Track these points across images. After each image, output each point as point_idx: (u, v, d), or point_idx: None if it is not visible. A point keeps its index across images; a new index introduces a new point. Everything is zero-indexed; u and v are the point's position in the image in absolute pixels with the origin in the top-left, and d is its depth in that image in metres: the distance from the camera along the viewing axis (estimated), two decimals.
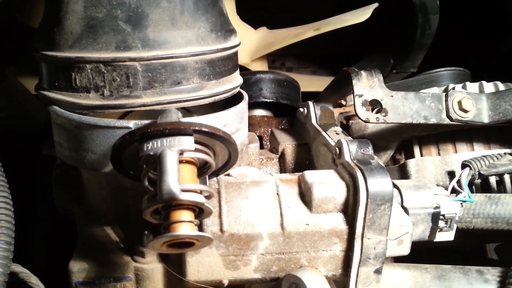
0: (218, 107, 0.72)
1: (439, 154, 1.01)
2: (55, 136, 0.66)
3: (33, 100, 0.87)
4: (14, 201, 0.64)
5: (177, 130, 0.52)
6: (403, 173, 0.99)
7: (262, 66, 1.37)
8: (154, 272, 0.66)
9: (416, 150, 1.02)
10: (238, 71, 0.74)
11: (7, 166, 0.66)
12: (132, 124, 0.60)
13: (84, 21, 0.59)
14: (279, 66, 1.79)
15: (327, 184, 0.63)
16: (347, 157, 0.65)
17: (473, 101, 0.91)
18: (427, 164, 0.98)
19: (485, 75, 1.05)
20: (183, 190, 0.51)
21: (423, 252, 0.79)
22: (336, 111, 1.11)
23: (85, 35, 0.59)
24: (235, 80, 0.72)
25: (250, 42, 1.31)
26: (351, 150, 0.65)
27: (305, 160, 0.83)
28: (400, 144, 1.04)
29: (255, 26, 1.39)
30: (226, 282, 0.65)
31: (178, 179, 0.51)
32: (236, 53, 0.72)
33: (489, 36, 1.39)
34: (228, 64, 0.69)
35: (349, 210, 0.63)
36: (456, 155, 0.97)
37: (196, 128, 0.53)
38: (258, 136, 0.97)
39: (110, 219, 0.70)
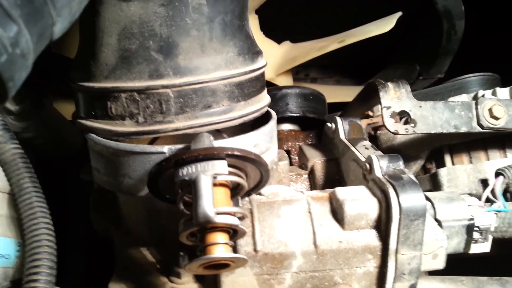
0: (247, 126, 0.73)
1: (471, 162, 0.99)
2: (93, 162, 0.69)
3: (68, 126, 0.91)
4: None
5: (211, 155, 0.54)
6: (435, 183, 0.98)
7: (287, 80, 1.38)
8: None
9: (447, 158, 1.01)
10: (265, 91, 0.75)
11: (44, 190, 0.68)
12: (166, 149, 0.62)
13: (118, 53, 0.62)
14: (303, 77, 1.79)
15: (359, 201, 0.64)
16: (378, 173, 0.65)
17: (504, 107, 0.89)
18: (459, 172, 0.96)
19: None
20: (218, 213, 0.53)
21: (455, 262, 0.78)
22: (364, 122, 1.10)
23: (119, 66, 0.62)
24: (263, 99, 0.74)
25: (274, 57, 1.33)
26: (381, 165, 0.65)
27: (334, 175, 0.83)
28: (431, 153, 1.03)
29: (278, 39, 1.41)
30: None
31: (213, 202, 0.52)
32: (263, 74, 0.73)
33: None
34: (256, 85, 0.70)
35: (382, 226, 0.63)
36: (489, 163, 0.95)
37: (229, 152, 0.54)
38: (285, 151, 0.98)
39: (147, 241, 0.72)
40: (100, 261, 0.84)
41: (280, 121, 1.08)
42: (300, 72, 1.77)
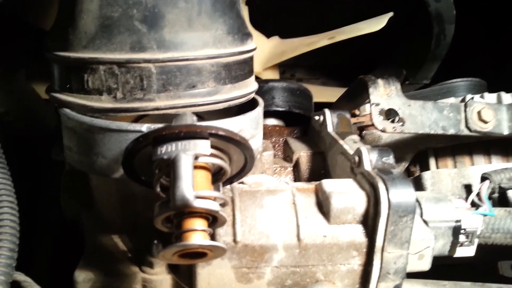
0: (231, 114, 0.70)
1: (455, 167, 0.98)
2: (65, 140, 0.64)
3: (43, 104, 0.86)
4: (20, 207, 0.62)
5: (193, 133, 0.50)
6: (418, 186, 0.97)
7: (273, 75, 1.35)
8: (162, 283, 0.64)
9: (432, 162, 1.00)
10: (253, 76, 0.72)
11: (13, 171, 0.64)
12: (145, 127, 0.58)
13: (99, 21, 0.57)
14: (289, 77, 1.77)
15: (346, 194, 0.61)
16: (367, 166, 0.62)
17: (493, 111, 0.88)
18: (443, 176, 0.95)
19: (498, 85, 1.03)
20: (197, 197, 0.49)
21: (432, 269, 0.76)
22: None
23: (99, 35, 0.58)
24: (251, 85, 0.70)
25: (262, 50, 1.30)
26: (371, 158, 0.63)
27: (320, 169, 0.80)
28: (415, 155, 1.01)
29: (267, 35, 1.38)
30: None
31: (193, 185, 0.48)
32: (252, 58, 0.70)
33: (500, 45, 1.36)
34: (244, 68, 0.67)
35: (369, 221, 0.60)
36: (473, 168, 0.95)
37: (213, 131, 0.50)
38: None
39: (119, 227, 0.68)
40: (69, 247, 0.79)
41: (265, 115, 1.04)
42: (286, 71, 1.75)
